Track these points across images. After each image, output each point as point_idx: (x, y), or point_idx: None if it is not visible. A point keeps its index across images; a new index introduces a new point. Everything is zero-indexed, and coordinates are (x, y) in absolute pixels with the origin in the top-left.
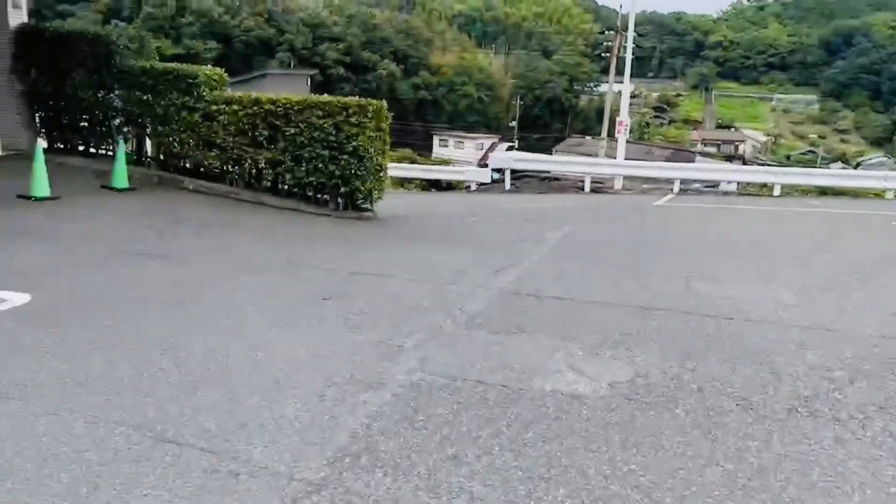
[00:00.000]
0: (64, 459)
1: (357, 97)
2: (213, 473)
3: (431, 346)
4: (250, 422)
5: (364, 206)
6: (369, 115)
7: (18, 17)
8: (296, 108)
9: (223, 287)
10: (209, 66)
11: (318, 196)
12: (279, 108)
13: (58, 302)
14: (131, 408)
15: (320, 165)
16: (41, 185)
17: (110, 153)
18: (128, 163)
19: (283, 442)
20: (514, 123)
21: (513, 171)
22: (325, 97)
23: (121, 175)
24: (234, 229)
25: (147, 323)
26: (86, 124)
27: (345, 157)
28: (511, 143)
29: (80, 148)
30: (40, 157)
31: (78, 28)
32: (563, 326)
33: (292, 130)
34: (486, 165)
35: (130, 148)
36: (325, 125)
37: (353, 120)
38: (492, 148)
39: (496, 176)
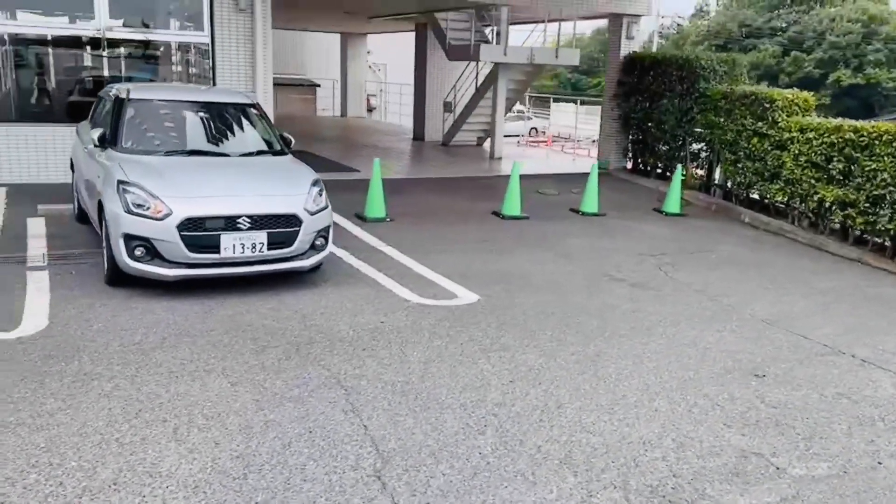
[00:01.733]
0: None
1: None
2: None
3: None
4: None
5: None
6: None
7: (630, 47)
8: (884, 137)
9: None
10: (793, 89)
11: None
12: (863, 138)
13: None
14: None
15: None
16: (591, 202)
17: (683, 177)
18: (695, 189)
19: None
20: None
21: None
22: None
23: (673, 200)
24: (756, 272)
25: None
26: (665, 147)
27: None
28: None
29: (658, 170)
30: (592, 180)
31: (670, 54)
32: None
33: (873, 165)
34: None
35: (702, 173)
36: None
37: None
38: None
39: None
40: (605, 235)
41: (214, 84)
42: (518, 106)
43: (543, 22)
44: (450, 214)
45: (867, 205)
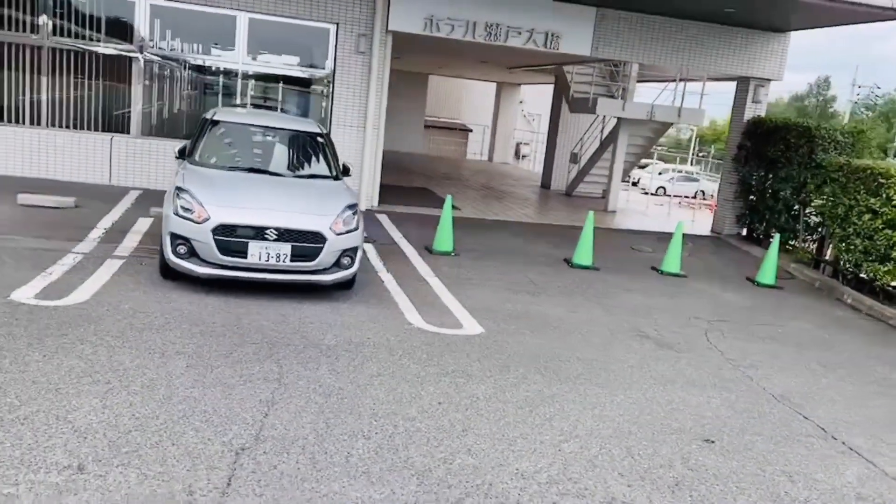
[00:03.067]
0: None
1: None
2: None
3: None
4: None
5: None
6: None
7: (756, 111)
8: None
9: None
10: None
11: None
12: None
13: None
14: None
15: None
16: (673, 261)
17: (794, 249)
18: (804, 263)
19: None
20: None
21: None
22: None
23: (767, 270)
24: (815, 351)
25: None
26: (778, 217)
27: None
28: None
29: (771, 239)
30: (676, 239)
31: (790, 119)
32: None
33: None
34: None
35: (814, 248)
36: None
37: None
38: None
39: None
40: (668, 296)
41: (331, 116)
42: (689, 167)
43: (675, 81)
44: (519, 256)
45: None
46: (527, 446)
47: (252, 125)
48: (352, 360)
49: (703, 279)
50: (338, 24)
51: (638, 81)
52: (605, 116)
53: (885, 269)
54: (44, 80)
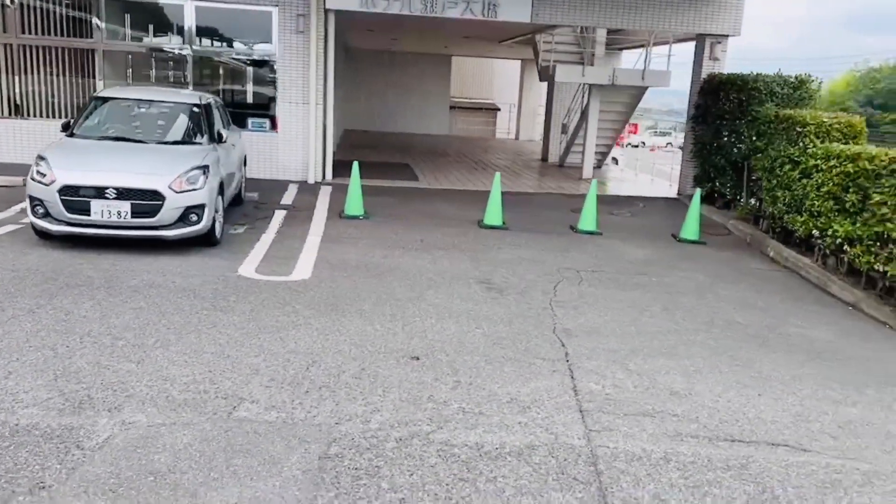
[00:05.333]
0: None
1: None
2: None
3: None
4: None
5: None
6: None
7: (716, 69)
8: (890, 167)
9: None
10: (839, 112)
11: None
12: (873, 168)
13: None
14: None
15: (895, 251)
16: (589, 220)
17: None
18: (745, 219)
19: None
20: None
21: None
22: None
23: (689, 227)
24: (682, 298)
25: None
26: (723, 174)
27: None
28: None
29: (727, 199)
30: (592, 195)
31: (734, 74)
32: None
33: (877, 198)
34: None
35: (756, 202)
36: None
37: None
38: None
39: None
40: (561, 251)
41: (276, 94)
42: (667, 126)
43: (644, 46)
44: (436, 220)
45: (870, 242)
46: (216, 361)
47: (132, 99)
48: (127, 298)
49: (621, 236)
50: (278, 5)
51: (617, 48)
52: (584, 85)
53: (802, 219)
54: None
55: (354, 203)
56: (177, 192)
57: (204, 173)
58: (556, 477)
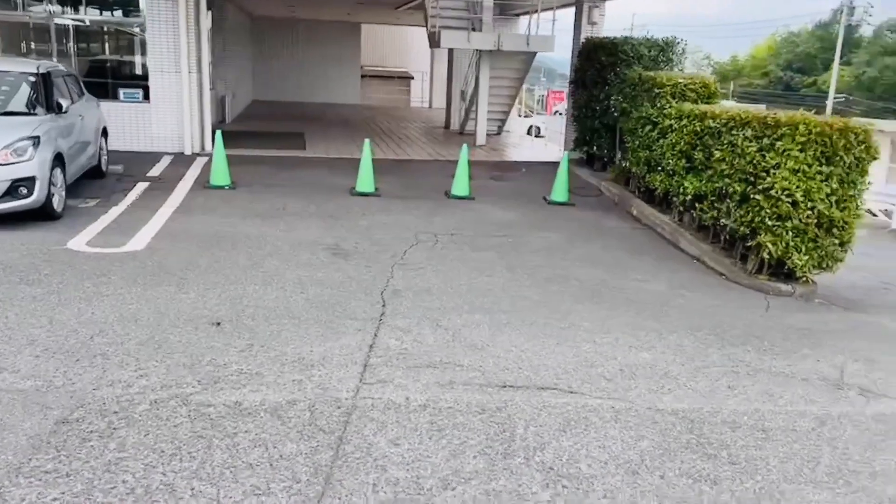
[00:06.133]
0: None
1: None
2: None
3: None
4: None
5: (799, 275)
6: (801, 137)
7: (594, 34)
8: (728, 125)
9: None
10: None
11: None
12: (715, 126)
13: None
14: None
15: (731, 205)
16: (462, 185)
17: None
18: (618, 181)
19: None
20: None
21: None
22: (764, 111)
23: (559, 189)
24: (532, 257)
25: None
26: (599, 136)
27: (757, 197)
28: None
29: (604, 161)
30: (463, 161)
31: (607, 38)
32: None
33: (717, 154)
34: None
35: (626, 164)
36: (749, 149)
37: (778, 145)
38: None
39: None
40: (426, 216)
41: (148, 63)
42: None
43: (537, 11)
44: (309, 188)
45: (713, 198)
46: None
47: None
48: None
49: (492, 201)
50: None
51: (512, 14)
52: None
53: (660, 178)
54: None
55: (220, 173)
56: (2, 165)
57: (34, 145)
58: (302, 429)
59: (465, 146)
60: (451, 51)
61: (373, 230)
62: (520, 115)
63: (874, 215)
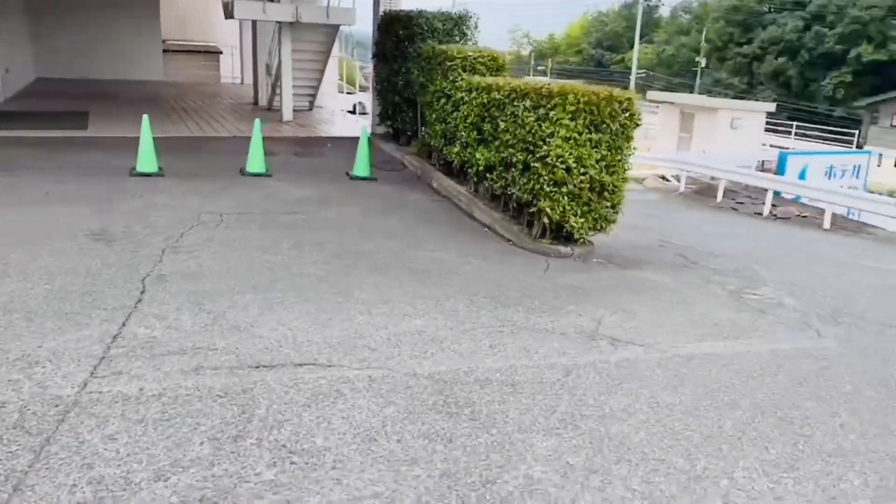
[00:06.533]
0: None
1: (590, 86)
2: None
3: None
4: None
5: (577, 237)
6: (571, 106)
7: (394, 5)
8: (510, 96)
9: None
10: (483, 46)
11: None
12: (499, 98)
13: None
14: None
15: (515, 174)
16: (257, 161)
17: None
18: (420, 154)
19: None
20: None
21: None
22: (543, 82)
23: (360, 164)
24: (298, 231)
25: None
26: (401, 111)
27: (536, 165)
28: None
29: (409, 135)
30: (257, 136)
31: (402, 11)
32: None
33: (502, 125)
34: None
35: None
36: (528, 119)
37: (552, 114)
38: None
39: None
40: (214, 195)
41: None
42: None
43: None
44: (80, 170)
45: (501, 168)
46: None
47: None
48: None
49: (291, 177)
50: None
51: None
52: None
53: (456, 150)
54: None
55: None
56: None
57: None
58: (2, 434)
59: (257, 121)
60: (254, 23)
61: (148, 212)
62: (342, 92)
63: (667, 180)
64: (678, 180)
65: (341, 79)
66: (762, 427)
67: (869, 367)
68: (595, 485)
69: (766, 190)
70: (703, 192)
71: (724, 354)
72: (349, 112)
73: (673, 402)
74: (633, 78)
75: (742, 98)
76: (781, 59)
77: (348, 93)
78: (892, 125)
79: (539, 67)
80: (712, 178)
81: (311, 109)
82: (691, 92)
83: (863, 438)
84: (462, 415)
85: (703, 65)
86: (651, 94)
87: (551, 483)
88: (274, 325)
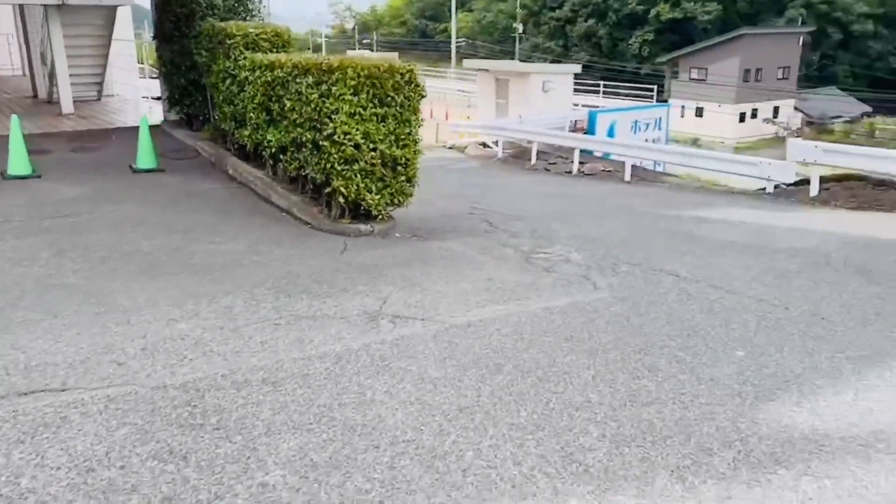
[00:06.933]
0: None
1: (386, 57)
2: None
3: None
4: None
5: (376, 214)
6: (352, 81)
7: None
8: (293, 73)
9: None
10: (264, 21)
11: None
12: (283, 76)
13: None
14: None
15: (307, 154)
16: (20, 162)
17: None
18: (214, 140)
19: None
20: None
21: None
22: (320, 58)
23: (145, 155)
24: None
25: None
26: (188, 94)
27: (325, 143)
28: None
29: (202, 120)
30: (15, 133)
31: None
32: None
33: (288, 104)
34: None
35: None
36: (312, 96)
37: (334, 90)
38: None
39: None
40: None
41: None
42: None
43: None
44: None
45: (293, 149)
46: None
47: None
48: None
49: (62, 175)
50: None
51: None
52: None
53: (247, 133)
54: None
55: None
56: None
57: None
58: None
59: (14, 117)
60: (21, 8)
61: None
62: (152, 77)
63: (488, 147)
64: (497, 146)
65: (142, 62)
66: (519, 389)
67: (633, 315)
68: (335, 481)
69: (574, 149)
70: (519, 155)
71: (500, 318)
72: (155, 98)
73: (438, 375)
74: (453, 47)
75: (559, 62)
76: (591, 21)
77: (154, 77)
78: (690, 78)
79: (365, 41)
80: (528, 143)
81: (99, 99)
82: (512, 58)
83: (610, 387)
84: (207, 425)
85: (521, 30)
86: (467, 63)
87: (287, 487)
88: (6, 349)
